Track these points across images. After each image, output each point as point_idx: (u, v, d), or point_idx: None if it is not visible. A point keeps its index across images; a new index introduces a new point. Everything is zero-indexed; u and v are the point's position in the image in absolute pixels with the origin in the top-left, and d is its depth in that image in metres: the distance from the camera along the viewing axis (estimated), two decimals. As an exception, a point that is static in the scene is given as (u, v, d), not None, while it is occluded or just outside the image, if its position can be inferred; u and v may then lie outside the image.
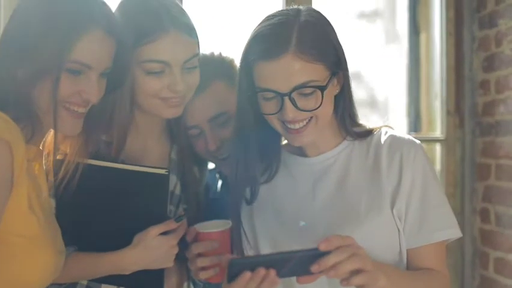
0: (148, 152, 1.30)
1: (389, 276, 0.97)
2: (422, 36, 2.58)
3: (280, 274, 0.92)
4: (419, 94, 2.59)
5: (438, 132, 2.42)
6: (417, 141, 1.14)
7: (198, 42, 1.24)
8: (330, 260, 0.90)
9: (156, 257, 1.12)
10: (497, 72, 2.21)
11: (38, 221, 0.99)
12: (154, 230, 1.11)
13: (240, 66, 1.10)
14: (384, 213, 1.08)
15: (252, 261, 0.95)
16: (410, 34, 2.60)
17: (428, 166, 1.11)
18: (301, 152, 1.18)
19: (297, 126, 1.07)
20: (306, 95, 1.04)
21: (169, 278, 1.25)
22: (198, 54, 1.23)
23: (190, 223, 1.17)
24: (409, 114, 2.59)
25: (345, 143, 1.17)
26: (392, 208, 1.08)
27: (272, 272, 0.91)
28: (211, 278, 1.13)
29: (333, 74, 1.07)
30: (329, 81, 1.05)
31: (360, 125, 1.18)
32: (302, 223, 1.10)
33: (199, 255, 1.12)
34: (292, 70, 1.02)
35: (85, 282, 1.19)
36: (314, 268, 0.90)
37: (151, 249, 1.11)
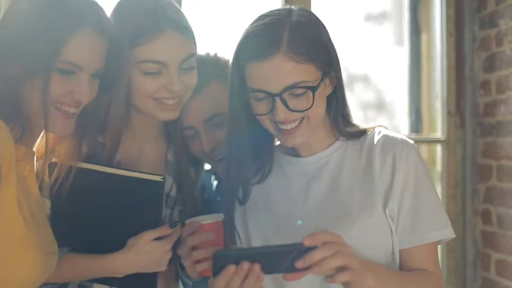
0: (144, 154, 1.29)
1: (378, 276, 0.96)
2: (423, 37, 2.57)
3: (266, 269, 0.92)
4: (420, 95, 2.58)
5: (439, 133, 2.40)
6: (411, 141, 1.13)
7: (195, 43, 1.24)
8: (315, 255, 0.89)
9: (149, 261, 1.12)
10: (498, 72, 2.19)
11: (25, 221, 0.99)
12: (148, 235, 1.11)
13: (232, 66, 1.10)
14: (376, 214, 1.07)
15: (236, 253, 0.94)
16: (411, 35, 2.58)
17: (421, 166, 1.10)
18: (294, 152, 1.18)
19: (288, 126, 1.07)
20: (297, 95, 1.04)
21: (160, 279, 1.24)
22: (194, 54, 1.23)
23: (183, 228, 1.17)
24: (410, 115, 2.58)
25: (338, 143, 1.16)
26: (384, 208, 1.07)
27: (257, 267, 0.90)
28: (207, 271, 1.13)
29: (325, 74, 1.06)
30: (320, 82, 1.05)
31: (353, 125, 1.17)
32: (299, 222, 1.09)
33: (194, 248, 1.12)
34: (283, 70, 1.02)
35: (77, 281, 1.20)
36: (299, 264, 0.89)
37: (144, 253, 1.11)
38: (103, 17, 1.10)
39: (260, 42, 1.03)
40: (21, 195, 1.01)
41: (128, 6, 1.20)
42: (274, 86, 1.03)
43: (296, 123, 1.06)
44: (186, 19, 1.23)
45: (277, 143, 1.22)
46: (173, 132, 1.32)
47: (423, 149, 2.50)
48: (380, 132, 1.15)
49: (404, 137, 1.14)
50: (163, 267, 1.15)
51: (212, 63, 1.38)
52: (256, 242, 1.14)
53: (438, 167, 2.40)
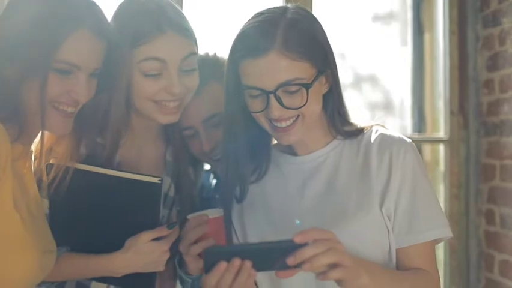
0: (143, 154, 1.30)
1: (372, 274, 0.96)
2: (426, 37, 2.56)
3: (258, 266, 0.91)
4: (423, 94, 2.57)
5: (442, 133, 2.39)
6: (408, 140, 1.12)
7: (196, 44, 1.24)
8: (306, 252, 0.89)
9: (147, 262, 1.13)
10: (501, 71, 2.18)
11: (22, 220, 1.00)
12: (146, 236, 1.12)
13: (227, 64, 1.10)
14: (373, 213, 1.07)
15: (227, 250, 0.94)
16: (414, 34, 2.57)
17: (418, 165, 1.09)
18: (291, 150, 1.18)
19: (283, 124, 1.06)
20: (291, 92, 1.04)
21: (157, 278, 1.25)
22: (195, 53, 1.23)
23: (183, 225, 1.17)
24: (413, 115, 2.57)
25: (336, 142, 1.16)
26: (381, 207, 1.07)
27: (248, 264, 0.90)
28: None
29: (320, 72, 1.06)
30: (314, 79, 1.05)
31: (351, 124, 1.17)
32: (297, 222, 1.09)
33: (195, 242, 1.13)
34: (277, 68, 1.02)
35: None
36: (290, 260, 0.89)
37: (142, 254, 1.12)
38: (100, 17, 1.11)
39: (254, 40, 1.03)
40: (19, 194, 1.02)
41: (129, 7, 1.21)
42: (268, 83, 1.03)
43: (291, 121, 1.06)
44: (187, 21, 1.23)
45: (275, 141, 1.22)
46: (172, 133, 1.32)
47: (427, 148, 2.49)
48: (377, 131, 1.15)
49: (402, 136, 1.13)
50: (161, 267, 1.16)
51: (211, 63, 1.38)
52: (253, 240, 1.14)
53: (442, 166, 2.39)
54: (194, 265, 1.16)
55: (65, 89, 1.06)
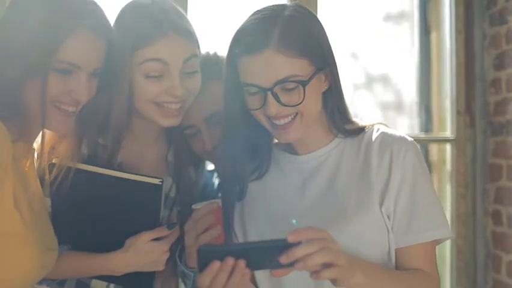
0: (145, 155, 1.30)
1: (367, 274, 0.95)
2: (433, 36, 2.54)
3: (252, 265, 0.91)
4: (430, 94, 2.55)
5: (448, 132, 2.37)
6: (410, 139, 1.11)
7: (198, 46, 1.24)
8: (299, 251, 0.88)
9: (147, 261, 1.14)
10: (508, 70, 2.16)
11: (22, 218, 1.00)
12: (145, 236, 1.13)
13: (226, 61, 1.10)
14: (372, 212, 1.06)
15: (221, 249, 0.94)
16: (420, 34, 2.56)
17: (419, 165, 1.08)
18: (292, 149, 1.17)
19: (282, 122, 1.06)
20: (289, 90, 1.03)
21: (158, 277, 1.25)
22: (197, 55, 1.23)
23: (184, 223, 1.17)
24: (420, 114, 2.55)
25: (336, 140, 1.15)
26: (380, 206, 1.06)
27: (241, 263, 0.90)
28: None
29: (319, 70, 1.06)
30: (312, 77, 1.04)
31: (352, 122, 1.16)
32: (293, 221, 1.08)
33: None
34: (274, 64, 1.01)
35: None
36: (283, 259, 0.88)
37: (142, 254, 1.13)
38: (100, 16, 1.11)
39: (252, 37, 1.03)
40: (21, 192, 1.02)
41: (132, 10, 1.21)
42: (265, 80, 1.03)
43: (289, 118, 1.06)
44: (190, 23, 1.23)
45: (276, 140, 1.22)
46: (174, 133, 1.32)
47: (433, 148, 2.47)
48: (378, 129, 1.14)
49: (403, 135, 1.12)
50: (160, 267, 1.16)
51: (212, 62, 1.37)
52: (253, 238, 1.14)
53: (448, 166, 2.37)
54: None
55: (65, 89, 1.06)
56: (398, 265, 1.07)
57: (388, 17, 2.61)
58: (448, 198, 2.35)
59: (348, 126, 1.15)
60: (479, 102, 2.31)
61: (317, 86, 1.07)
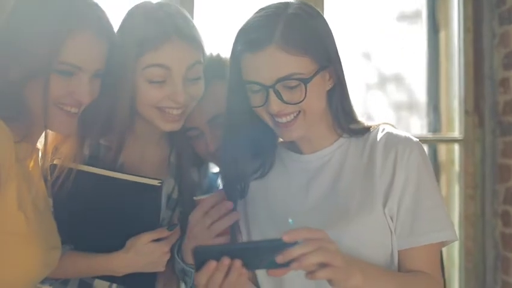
0: (147, 156, 1.30)
1: (367, 275, 0.94)
2: (442, 35, 2.51)
3: (248, 265, 0.91)
4: (438, 93, 2.52)
5: (456, 133, 2.35)
6: (415, 139, 1.10)
7: (203, 53, 1.24)
8: (295, 251, 0.88)
9: (147, 262, 1.14)
10: (518, 69, 2.13)
11: (26, 218, 1.01)
12: (146, 237, 1.13)
13: (230, 59, 1.10)
14: (376, 213, 1.05)
15: (218, 249, 0.94)
16: (429, 32, 2.53)
17: (424, 166, 1.07)
18: (297, 148, 1.17)
19: (284, 120, 1.06)
20: (291, 87, 1.03)
21: (160, 277, 1.25)
22: (201, 62, 1.22)
23: (186, 227, 1.17)
24: (428, 114, 2.52)
25: (341, 140, 1.14)
26: (384, 207, 1.05)
27: (237, 263, 0.90)
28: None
29: (322, 68, 1.05)
30: (314, 75, 1.03)
31: (357, 122, 1.15)
32: (290, 220, 1.08)
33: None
34: (275, 62, 1.01)
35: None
36: (279, 259, 0.88)
37: (143, 254, 1.13)
38: (102, 17, 1.11)
39: (254, 34, 1.03)
40: (24, 192, 1.03)
41: (138, 14, 1.21)
42: (267, 77, 1.02)
43: (292, 116, 1.05)
44: (195, 28, 1.22)
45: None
46: (176, 134, 1.32)
47: (442, 148, 2.45)
48: (383, 129, 1.13)
49: (408, 135, 1.11)
50: (161, 268, 1.17)
51: (215, 63, 1.37)
52: (256, 236, 1.14)
53: (456, 167, 2.34)
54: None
55: (67, 90, 1.06)
56: (401, 267, 1.06)
57: (401, 17, 2.59)
58: (457, 199, 2.32)
59: (353, 126, 1.14)
60: (488, 101, 2.28)
61: (320, 84, 1.06)
